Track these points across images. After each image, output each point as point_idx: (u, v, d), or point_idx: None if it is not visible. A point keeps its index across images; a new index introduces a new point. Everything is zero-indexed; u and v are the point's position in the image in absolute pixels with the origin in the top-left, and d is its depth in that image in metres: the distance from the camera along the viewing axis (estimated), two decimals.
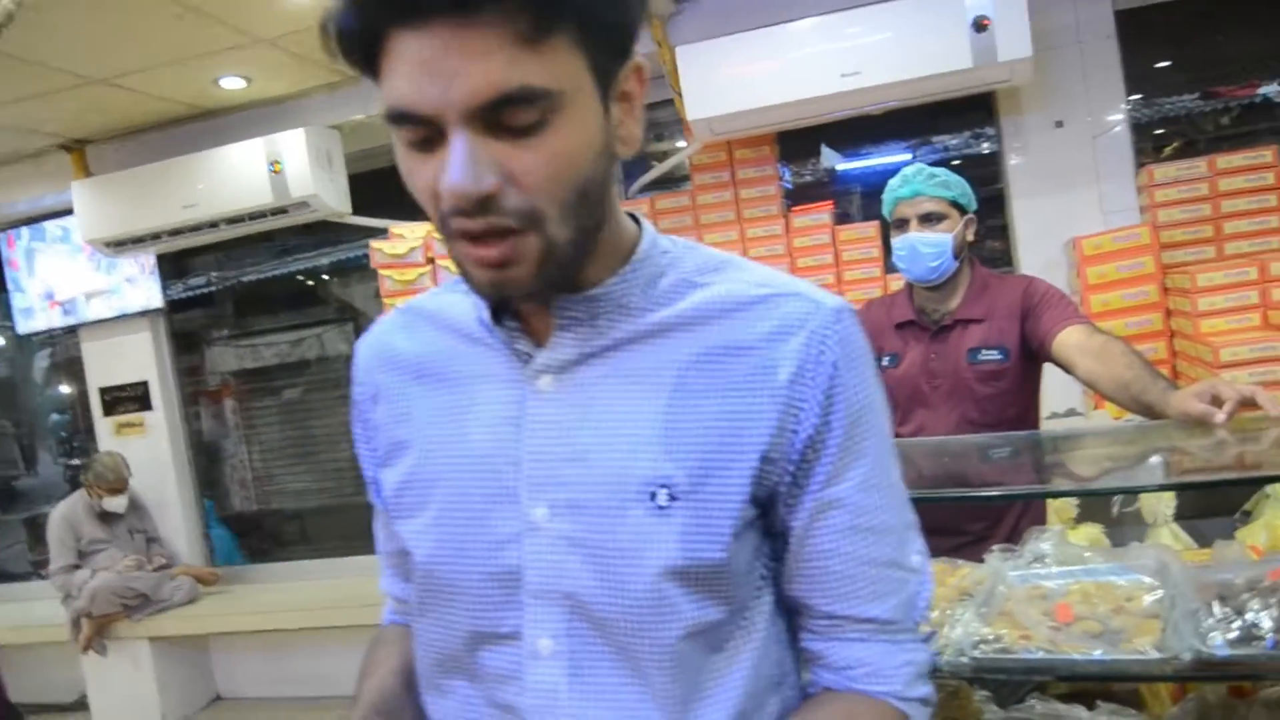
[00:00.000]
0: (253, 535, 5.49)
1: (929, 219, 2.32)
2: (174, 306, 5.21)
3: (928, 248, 2.31)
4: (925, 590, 0.94)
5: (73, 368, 5.60)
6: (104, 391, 5.15)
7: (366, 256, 4.06)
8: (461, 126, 0.73)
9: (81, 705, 4.95)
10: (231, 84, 4.13)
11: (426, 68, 0.72)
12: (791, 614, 0.95)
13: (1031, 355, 2.29)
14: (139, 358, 5.08)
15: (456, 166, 0.73)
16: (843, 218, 4.18)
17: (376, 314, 4.56)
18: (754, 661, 0.89)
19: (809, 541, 0.88)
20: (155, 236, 4.36)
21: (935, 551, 1.80)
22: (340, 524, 5.08)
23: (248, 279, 5.30)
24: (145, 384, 5.08)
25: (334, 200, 4.20)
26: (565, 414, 0.86)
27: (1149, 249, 3.37)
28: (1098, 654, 1.34)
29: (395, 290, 3.95)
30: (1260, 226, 3.40)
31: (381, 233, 4.15)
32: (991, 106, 3.93)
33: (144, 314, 4.99)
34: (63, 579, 4.59)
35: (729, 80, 3.53)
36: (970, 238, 2.38)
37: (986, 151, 4.13)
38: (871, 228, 3.85)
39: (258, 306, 5.40)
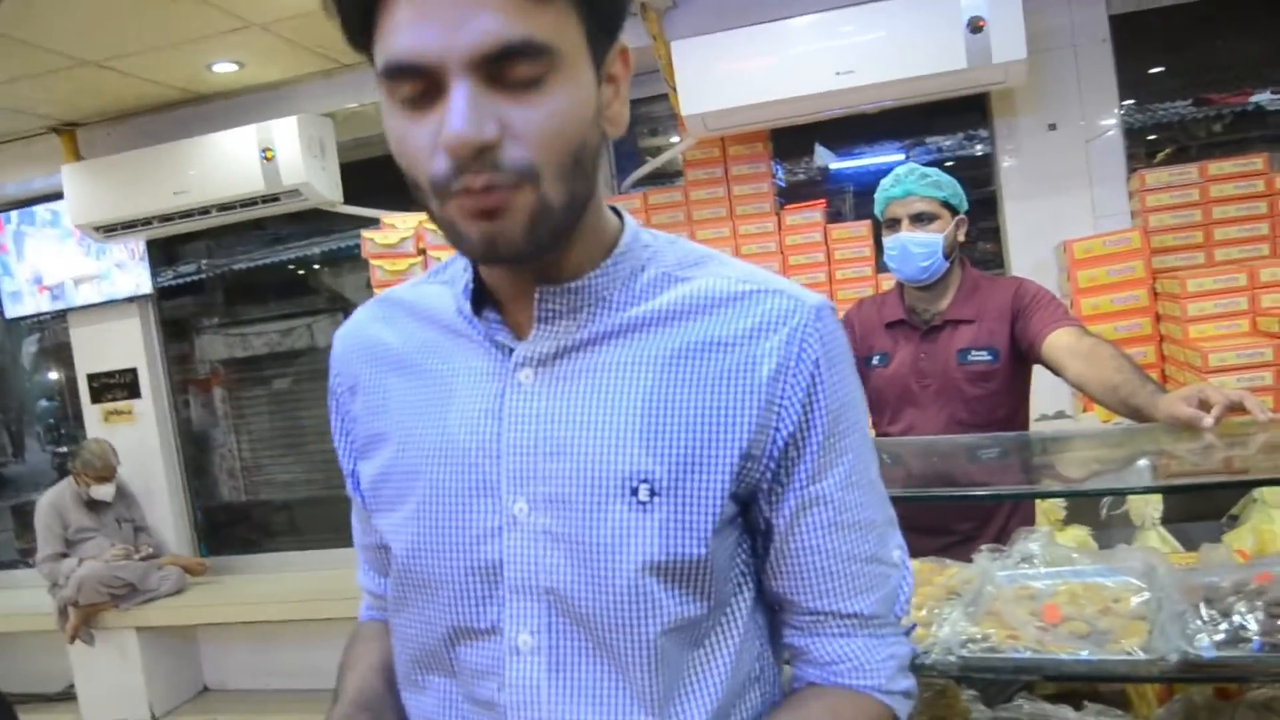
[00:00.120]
0: (241, 525, 5.46)
1: (920, 219, 2.33)
2: (164, 293, 5.19)
3: (919, 247, 2.32)
4: (906, 584, 0.95)
5: (61, 353, 5.56)
6: (92, 378, 5.13)
7: (358, 246, 4.05)
8: (464, 76, 0.73)
9: (68, 695, 4.94)
10: (224, 69, 4.11)
11: (430, 17, 0.72)
12: (772, 610, 0.96)
13: (1021, 357, 2.30)
14: (128, 344, 5.06)
15: (458, 114, 0.73)
16: (835, 216, 4.19)
17: None
18: (734, 656, 0.89)
19: (792, 539, 0.89)
20: (146, 222, 4.35)
21: (923, 551, 1.82)
22: (329, 515, 5.06)
23: (238, 267, 5.29)
24: (134, 371, 5.06)
25: (326, 189, 4.19)
26: (545, 407, 0.86)
27: (1139, 253, 3.38)
28: (1085, 654, 1.35)
29: (386, 280, 3.93)
30: (1250, 233, 3.42)
31: (373, 222, 4.13)
32: (985, 108, 3.94)
33: (133, 300, 4.97)
34: (50, 567, 4.58)
35: (724, 76, 3.53)
36: (961, 238, 2.39)
37: (979, 153, 4.14)
38: (864, 227, 3.86)
39: (248, 295, 5.37)
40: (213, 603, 4.70)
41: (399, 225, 3.94)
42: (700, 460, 0.84)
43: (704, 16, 3.75)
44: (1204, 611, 1.36)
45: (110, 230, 4.43)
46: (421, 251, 3.93)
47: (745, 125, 3.74)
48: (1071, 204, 3.76)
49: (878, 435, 2.46)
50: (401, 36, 0.74)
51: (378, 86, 0.79)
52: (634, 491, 0.83)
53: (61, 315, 5.20)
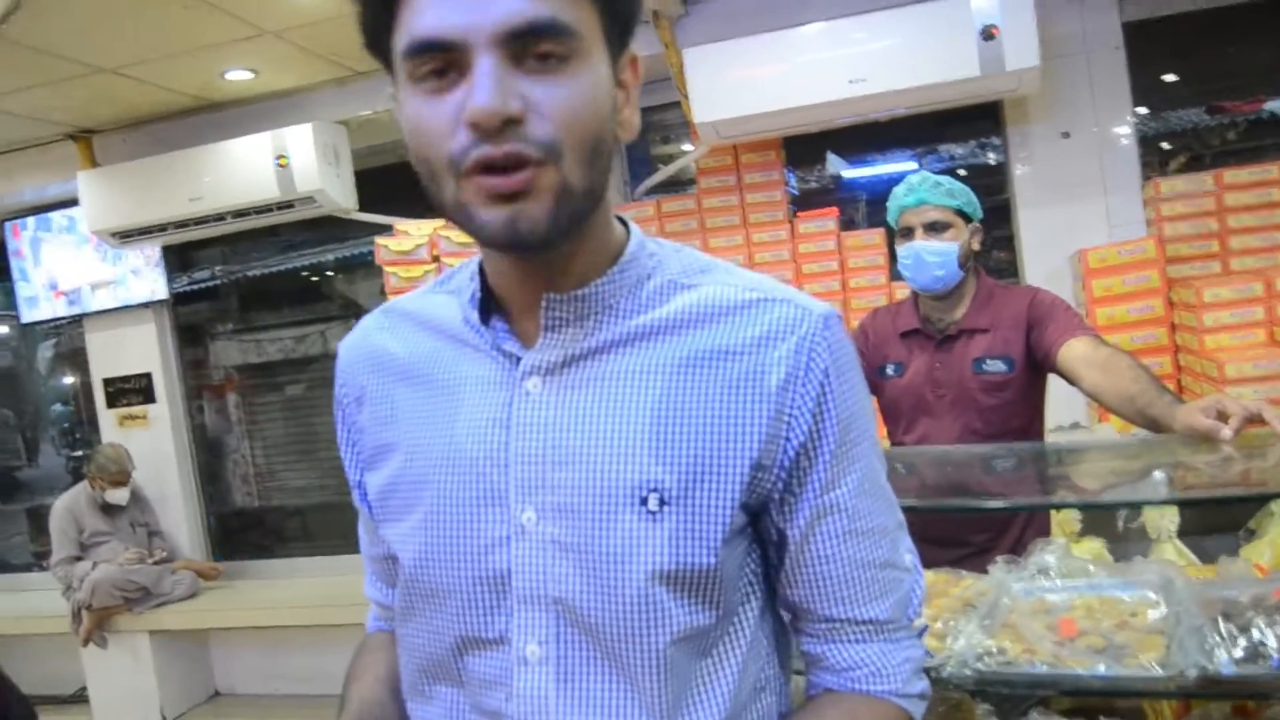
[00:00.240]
0: (253, 530, 5.48)
1: (934, 228, 2.32)
2: (179, 299, 5.20)
3: (933, 256, 2.31)
4: (919, 587, 0.96)
5: (76, 358, 5.59)
6: (108, 383, 5.15)
7: (371, 253, 4.06)
8: (489, 51, 0.74)
9: (81, 698, 4.95)
10: (239, 76, 4.13)
11: None
12: (779, 618, 0.96)
13: (1036, 366, 2.29)
14: (143, 350, 5.08)
15: (484, 87, 0.74)
16: (848, 224, 4.18)
17: None
18: (741, 666, 0.89)
19: (807, 548, 0.89)
20: (161, 228, 4.38)
21: (938, 562, 1.82)
22: (342, 521, 5.06)
23: (253, 273, 5.30)
24: (149, 376, 5.08)
25: (340, 196, 4.20)
26: (554, 416, 0.86)
27: (1154, 263, 3.36)
28: (1102, 669, 1.35)
29: (400, 287, 3.94)
30: (1266, 243, 3.40)
31: (387, 229, 4.15)
32: (998, 116, 3.93)
33: (148, 306, 4.99)
34: (64, 571, 4.60)
35: (736, 84, 3.53)
36: (976, 247, 2.38)
37: (993, 161, 4.12)
38: (877, 235, 3.85)
39: (262, 301, 5.39)
40: (225, 607, 4.71)
41: (413, 232, 3.95)
42: (710, 469, 0.84)
43: (716, 24, 3.75)
44: (1222, 626, 1.35)
45: (126, 236, 4.45)
46: (436, 258, 3.93)
47: (758, 133, 3.74)
48: (1086, 212, 3.75)
49: (892, 445, 2.45)
50: (428, 14, 0.75)
51: (396, 71, 0.80)
52: (644, 501, 0.83)
53: (77, 320, 5.22)
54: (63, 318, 5.22)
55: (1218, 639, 1.33)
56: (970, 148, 4.22)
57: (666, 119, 4.42)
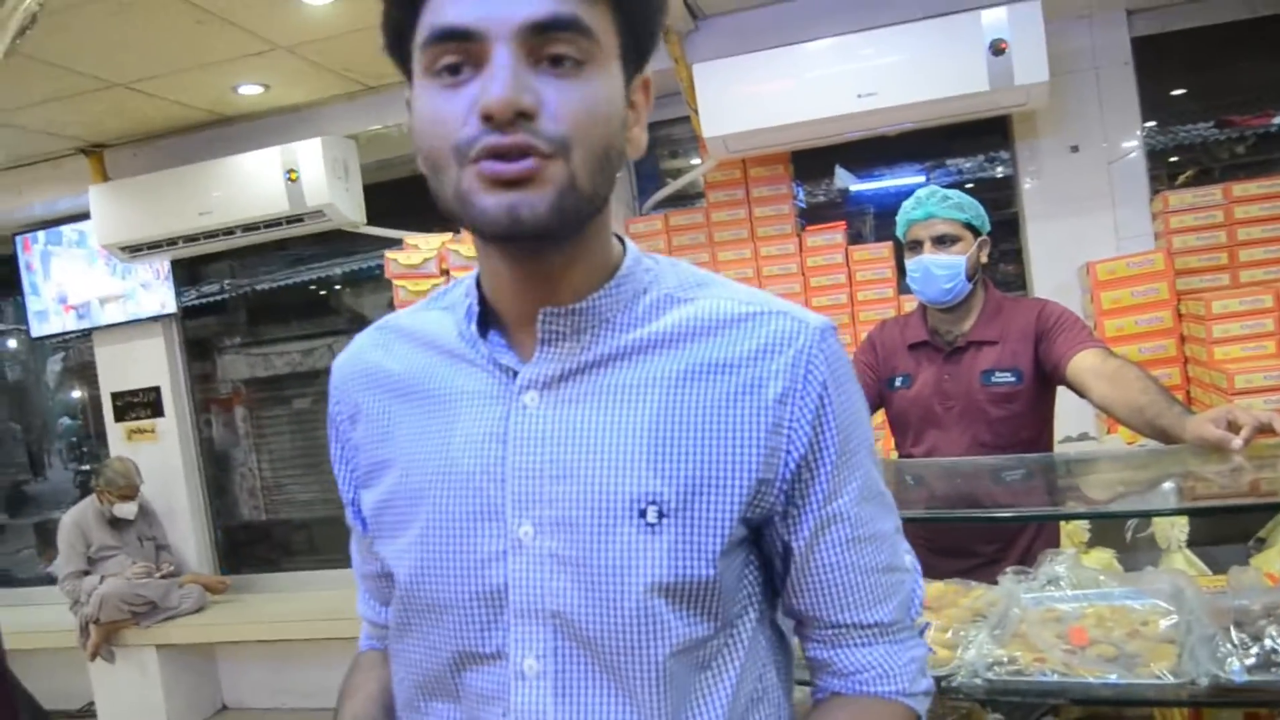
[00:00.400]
0: (261, 544, 5.48)
1: (942, 241, 2.32)
2: (187, 313, 5.23)
3: (941, 269, 2.31)
4: (919, 587, 0.97)
5: (85, 372, 5.62)
6: (116, 397, 5.16)
7: (380, 267, 4.08)
8: (508, 44, 0.76)
9: (88, 712, 4.94)
10: (249, 91, 4.15)
11: None
12: (777, 629, 0.97)
13: (1045, 378, 2.28)
14: (152, 363, 5.10)
15: (501, 79, 0.75)
16: (856, 238, 4.20)
17: None
18: (739, 677, 0.89)
19: (813, 558, 0.89)
20: (171, 242, 4.40)
21: (948, 573, 1.82)
22: (349, 535, 5.05)
23: (261, 287, 5.33)
24: (157, 390, 5.10)
25: (349, 210, 4.23)
26: (551, 430, 0.85)
27: (1163, 275, 3.36)
28: (1113, 678, 1.34)
29: (409, 301, 3.95)
30: (1276, 255, 3.41)
31: (396, 243, 4.16)
32: (1007, 130, 3.94)
33: (157, 319, 5.01)
34: (72, 584, 4.60)
35: (745, 98, 3.55)
36: (984, 260, 2.38)
37: (1001, 175, 4.13)
38: (885, 248, 3.86)
39: (270, 315, 5.41)
40: (232, 621, 4.71)
41: (422, 246, 3.96)
42: (709, 481, 0.84)
43: (725, 39, 3.77)
44: (1234, 635, 1.34)
45: (136, 250, 4.48)
46: (445, 272, 3.94)
47: (766, 147, 3.75)
48: (1094, 226, 3.75)
49: (900, 456, 2.45)
50: (451, 6, 0.77)
51: (413, 67, 0.81)
52: (642, 513, 0.82)
53: (86, 334, 5.24)
54: (72, 331, 5.25)
55: (1229, 647, 1.32)
56: (979, 161, 4.23)
57: (675, 133, 4.44)
